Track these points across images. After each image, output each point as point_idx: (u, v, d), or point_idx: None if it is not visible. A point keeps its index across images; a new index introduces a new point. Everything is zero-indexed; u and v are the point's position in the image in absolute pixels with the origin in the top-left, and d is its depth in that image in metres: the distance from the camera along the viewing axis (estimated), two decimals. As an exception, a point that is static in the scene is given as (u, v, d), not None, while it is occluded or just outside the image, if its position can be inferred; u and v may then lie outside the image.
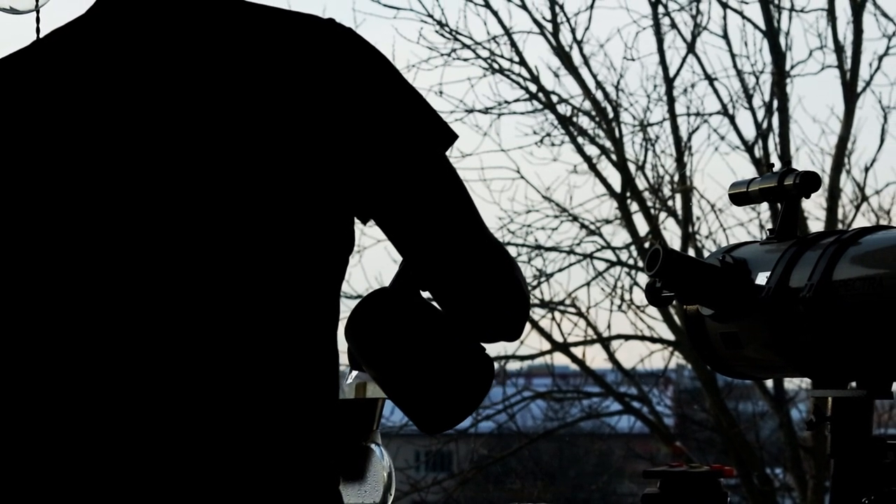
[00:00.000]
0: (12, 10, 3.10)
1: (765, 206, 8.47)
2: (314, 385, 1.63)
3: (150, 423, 1.56)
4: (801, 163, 9.29)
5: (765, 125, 9.29)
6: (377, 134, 1.61)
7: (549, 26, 9.22)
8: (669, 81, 9.29)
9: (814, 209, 9.26)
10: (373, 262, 21.94)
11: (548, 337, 9.37)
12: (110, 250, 1.58)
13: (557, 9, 9.20)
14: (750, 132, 9.32)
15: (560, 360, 9.67)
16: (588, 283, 9.38)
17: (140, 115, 1.59)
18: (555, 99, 9.32)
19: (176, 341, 1.57)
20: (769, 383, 9.46)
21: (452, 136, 1.65)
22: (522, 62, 9.32)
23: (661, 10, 9.22)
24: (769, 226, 4.13)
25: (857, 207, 9.25)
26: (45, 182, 1.60)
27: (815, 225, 9.13)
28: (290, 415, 1.60)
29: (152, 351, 1.57)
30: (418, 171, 1.62)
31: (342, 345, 1.73)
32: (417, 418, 1.73)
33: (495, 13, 9.25)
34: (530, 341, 9.45)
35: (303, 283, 1.60)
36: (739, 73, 9.25)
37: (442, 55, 9.23)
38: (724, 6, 9.21)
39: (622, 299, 9.31)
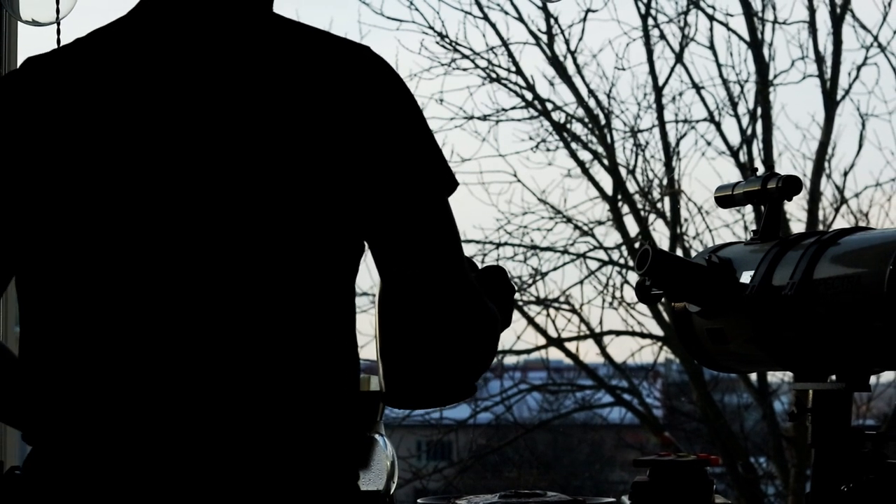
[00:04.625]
0: (34, 23, 3.09)
1: (749, 208, 8.47)
2: (333, 378, 1.61)
3: (172, 417, 1.54)
4: (783, 167, 9.29)
5: (749, 131, 9.27)
6: (390, 162, 1.60)
7: (544, 38, 9.21)
8: (658, 90, 9.27)
9: (796, 211, 9.24)
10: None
11: (543, 332, 9.36)
12: (132, 246, 1.56)
13: (552, 21, 9.19)
14: (735, 138, 9.31)
15: (555, 354, 9.66)
16: (581, 282, 9.37)
17: (169, 115, 1.58)
18: (550, 106, 9.31)
19: (196, 337, 1.55)
20: (753, 377, 9.44)
21: (455, 184, 1.65)
22: (519, 72, 9.30)
23: (650, 22, 9.21)
24: (753, 227, 4.13)
25: (837, 210, 9.23)
26: (72, 179, 1.58)
27: (797, 226, 9.12)
28: (309, 407, 1.59)
29: (173, 345, 1.55)
30: (420, 206, 1.62)
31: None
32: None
33: (493, 25, 9.24)
34: (526, 336, 9.45)
35: (318, 280, 1.59)
36: (725, 82, 9.24)
37: (442, 65, 9.21)
38: (711, 18, 9.20)
39: (614, 297, 9.30)
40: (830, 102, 9.18)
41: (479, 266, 1.81)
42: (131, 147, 1.57)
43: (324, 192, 1.58)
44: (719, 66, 9.21)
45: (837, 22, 9.11)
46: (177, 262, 1.56)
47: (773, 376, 9.46)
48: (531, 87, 9.28)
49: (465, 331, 1.65)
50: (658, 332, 9.38)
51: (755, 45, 9.16)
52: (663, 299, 2.16)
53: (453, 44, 9.22)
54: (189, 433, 1.54)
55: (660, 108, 9.29)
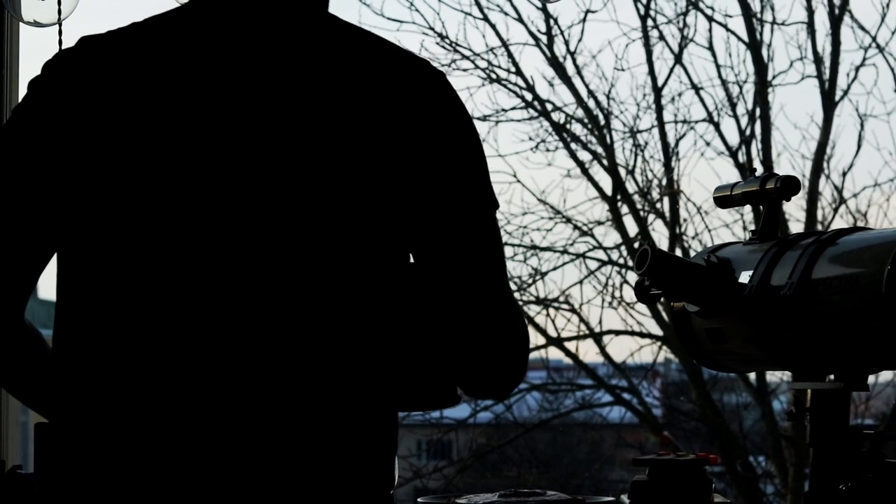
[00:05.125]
0: (36, 24, 3.09)
1: (748, 208, 8.47)
2: (373, 387, 1.61)
3: (212, 421, 1.53)
4: (782, 167, 9.29)
5: (748, 132, 9.27)
6: (444, 175, 1.62)
7: (544, 38, 9.21)
8: (658, 90, 9.28)
9: (794, 211, 9.24)
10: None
11: (542, 332, 9.36)
12: (177, 240, 1.54)
13: (552, 22, 9.19)
14: (734, 138, 9.31)
15: (554, 354, 9.66)
16: (581, 282, 9.37)
17: (224, 111, 1.57)
18: (549, 107, 9.31)
19: (237, 340, 1.54)
20: (752, 376, 9.44)
21: (496, 204, 1.68)
22: (519, 72, 9.31)
23: (649, 23, 9.21)
24: (752, 227, 4.13)
25: (836, 210, 9.23)
26: (121, 168, 1.56)
27: (796, 226, 9.12)
28: (351, 416, 1.58)
29: (214, 347, 1.54)
30: (471, 221, 1.64)
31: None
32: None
33: (493, 26, 9.24)
34: (526, 336, 9.42)
35: (361, 286, 1.59)
36: (724, 83, 9.24)
37: (442, 65, 9.20)
38: (710, 20, 9.20)
39: (613, 297, 9.30)
40: (829, 103, 9.18)
41: None
42: (185, 141, 1.56)
43: (372, 198, 1.58)
44: (718, 66, 9.22)
45: (836, 23, 9.11)
46: (223, 261, 1.55)
47: (772, 376, 9.47)
48: (531, 88, 9.28)
49: (504, 346, 1.68)
50: (657, 331, 9.38)
51: (754, 45, 9.16)
52: (662, 299, 2.16)
53: (453, 44, 9.23)
54: (229, 439, 1.53)
55: (659, 109, 9.29)
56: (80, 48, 1.64)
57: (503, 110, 9.30)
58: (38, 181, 1.60)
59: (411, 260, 1.66)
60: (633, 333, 9.44)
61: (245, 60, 1.60)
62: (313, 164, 1.57)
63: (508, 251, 9.34)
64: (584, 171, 9.33)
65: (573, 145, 9.34)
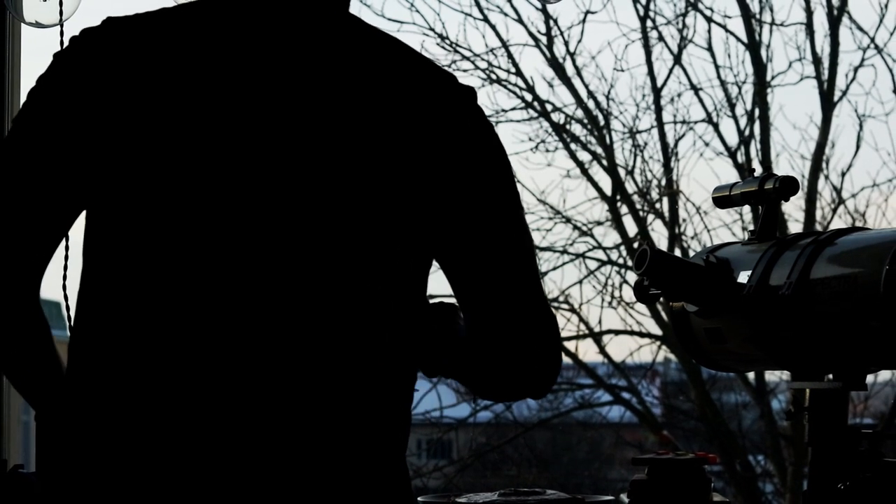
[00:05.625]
0: (38, 24, 3.09)
1: (747, 208, 8.47)
2: (395, 389, 1.60)
3: (228, 418, 1.51)
4: (781, 168, 9.29)
5: (747, 132, 9.27)
6: (468, 177, 1.62)
7: (543, 39, 9.21)
8: (657, 91, 9.28)
9: (793, 211, 9.24)
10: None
11: (542, 332, 9.34)
12: (198, 233, 1.53)
13: (552, 23, 9.18)
14: (733, 139, 9.31)
15: (554, 353, 9.64)
16: (580, 282, 9.37)
17: (249, 105, 1.55)
18: (549, 108, 9.31)
19: (256, 337, 1.53)
20: (751, 376, 9.44)
21: (522, 207, 1.69)
22: (519, 73, 9.31)
23: (649, 24, 9.21)
24: (751, 227, 4.13)
25: (834, 210, 9.23)
26: (142, 154, 1.54)
27: (795, 226, 9.12)
28: (372, 416, 1.57)
29: (231, 343, 1.52)
30: (500, 223, 1.64)
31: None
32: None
33: (493, 27, 9.24)
34: (526, 336, 9.42)
35: (382, 286, 1.58)
36: (723, 84, 9.24)
37: (443, 66, 9.21)
38: (709, 20, 9.20)
39: (612, 296, 9.29)
40: (828, 104, 9.18)
41: None
42: (201, 135, 1.54)
43: (382, 196, 1.57)
44: (717, 67, 9.22)
45: (834, 24, 9.11)
46: (232, 258, 1.53)
47: (771, 375, 9.46)
48: (531, 89, 9.28)
49: (539, 349, 1.69)
50: (656, 331, 9.38)
51: (753, 46, 9.15)
52: (661, 299, 2.16)
53: (453, 45, 9.23)
54: (230, 439, 1.52)
55: (658, 110, 9.29)
56: (107, 27, 1.61)
57: (503, 111, 9.30)
58: (55, 152, 1.58)
59: (434, 265, 1.66)
60: (632, 333, 9.44)
61: (267, 55, 1.59)
62: (324, 161, 1.56)
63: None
64: (584, 172, 9.33)
65: (573, 146, 9.34)
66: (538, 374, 1.70)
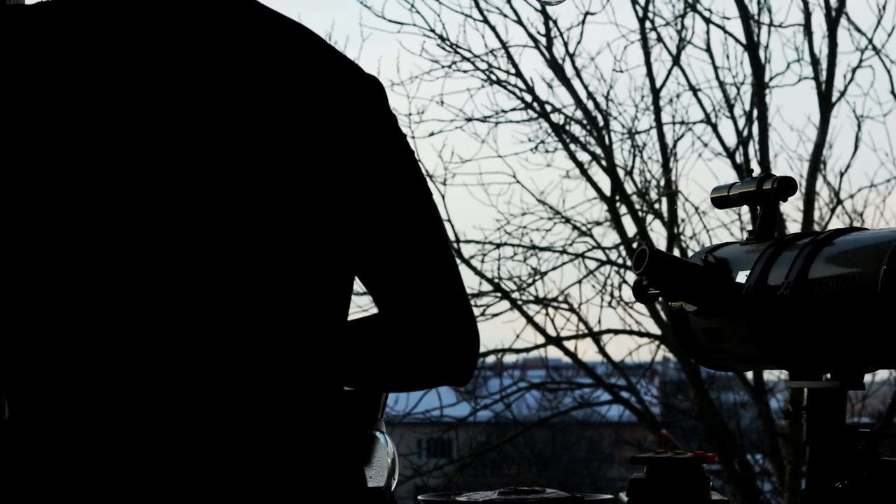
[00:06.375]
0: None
1: (745, 208, 8.47)
2: (326, 374, 1.57)
3: (159, 421, 1.46)
4: (779, 168, 9.30)
5: (745, 133, 9.29)
6: (373, 164, 1.58)
7: (543, 40, 9.22)
8: (656, 92, 9.28)
9: (791, 212, 9.26)
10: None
11: (542, 331, 9.36)
12: (112, 244, 1.46)
13: (551, 24, 9.20)
14: (731, 139, 9.32)
15: (553, 353, 9.67)
16: (580, 281, 9.38)
17: (157, 102, 1.49)
18: (549, 108, 9.32)
19: (181, 337, 1.47)
20: (749, 375, 9.45)
21: (430, 192, 1.64)
22: (518, 74, 9.31)
23: (648, 25, 9.22)
24: (749, 227, 4.13)
25: (833, 210, 9.24)
26: (43, 168, 1.46)
27: (793, 227, 9.12)
28: (304, 405, 1.54)
29: (158, 345, 1.47)
30: (409, 207, 1.60)
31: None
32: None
33: (493, 28, 9.25)
34: (525, 335, 9.46)
35: (309, 275, 1.54)
36: (721, 85, 9.25)
37: (443, 67, 9.21)
38: (708, 21, 9.21)
39: (612, 296, 9.31)
40: (826, 104, 9.19)
41: None
42: (118, 131, 1.47)
43: (312, 191, 1.53)
44: (716, 68, 9.23)
45: (833, 25, 9.11)
46: (165, 258, 1.47)
47: (769, 375, 9.47)
48: (530, 89, 9.29)
49: (456, 333, 1.63)
50: (655, 330, 9.39)
51: (751, 47, 9.16)
52: (660, 299, 2.16)
53: (454, 46, 9.24)
54: (183, 435, 1.47)
55: (657, 110, 9.30)
56: None
57: (503, 111, 9.32)
58: None
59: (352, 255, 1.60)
60: (631, 333, 9.45)
61: (161, 42, 1.52)
62: (223, 151, 1.50)
63: (508, 251, 9.35)
64: (583, 172, 9.33)
65: (572, 146, 9.35)
66: (458, 359, 1.64)
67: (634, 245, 9.16)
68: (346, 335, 1.60)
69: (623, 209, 9.30)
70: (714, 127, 9.28)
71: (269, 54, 1.56)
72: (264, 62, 1.55)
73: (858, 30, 9.09)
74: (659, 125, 9.29)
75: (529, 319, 9.29)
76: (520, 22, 9.20)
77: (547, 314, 9.38)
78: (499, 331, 17.58)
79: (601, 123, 9.28)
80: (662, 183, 9.34)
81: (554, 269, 9.42)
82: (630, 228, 9.33)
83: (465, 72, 9.26)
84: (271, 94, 1.54)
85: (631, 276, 8.66)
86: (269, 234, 1.51)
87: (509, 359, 9.76)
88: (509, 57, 9.26)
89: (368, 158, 1.58)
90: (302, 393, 1.54)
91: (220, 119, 1.51)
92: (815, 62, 9.14)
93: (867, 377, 2.00)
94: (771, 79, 9.19)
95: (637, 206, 9.32)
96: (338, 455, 1.57)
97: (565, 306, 9.36)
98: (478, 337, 1.65)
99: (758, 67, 9.16)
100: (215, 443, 1.48)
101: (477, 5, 9.16)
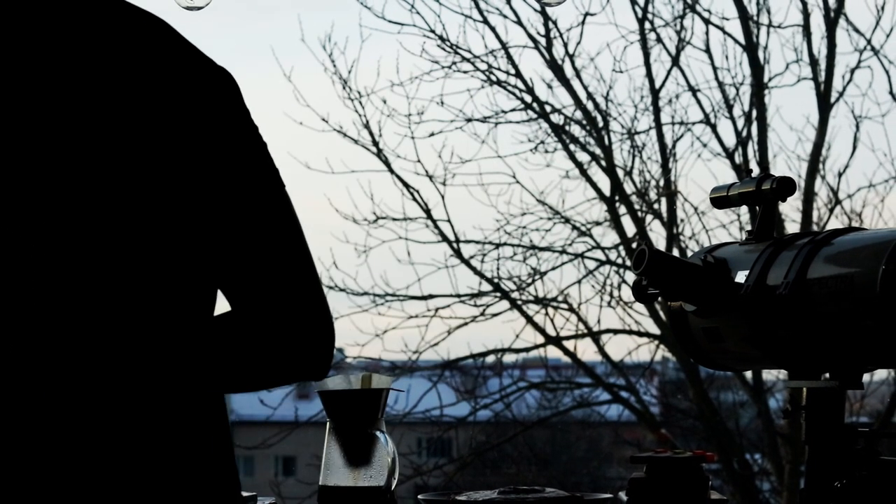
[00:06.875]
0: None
1: (744, 209, 8.46)
2: (184, 374, 1.52)
3: (14, 423, 1.42)
4: (778, 168, 9.29)
5: (744, 133, 9.28)
6: (227, 160, 1.55)
7: (542, 41, 9.21)
8: (655, 93, 9.28)
9: (790, 212, 9.25)
10: (378, 261, 21.91)
11: (541, 331, 9.36)
12: None
13: (551, 24, 9.19)
14: (730, 140, 9.32)
15: (553, 352, 9.66)
16: (579, 281, 9.37)
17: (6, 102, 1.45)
18: (548, 109, 9.31)
19: (33, 340, 1.44)
20: (748, 375, 9.45)
21: (282, 183, 1.61)
22: (518, 74, 9.31)
23: (647, 25, 9.21)
24: (748, 227, 4.13)
25: (831, 210, 9.24)
26: None
27: (792, 227, 9.12)
28: (156, 403, 1.50)
29: (14, 350, 1.43)
30: (261, 199, 1.57)
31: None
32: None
33: (493, 29, 9.24)
34: (525, 335, 9.44)
35: (161, 271, 1.50)
36: (721, 85, 9.24)
37: (443, 68, 9.20)
38: (707, 22, 9.20)
39: (611, 296, 9.30)
40: (824, 105, 9.19)
41: None
42: None
43: (163, 188, 1.49)
44: (715, 69, 9.22)
45: (831, 26, 9.11)
46: (14, 261, 1.44)
47: (768, 374, 9.47)
48: (530, 90, 9.28)
49: (310, 329, 1.59)
50: (655, 330, 9.39)
51: (750, 48, 9.16)
52: (660, 298, 2.16)
53: (454, 47, 9.23)
54: (39, 438, 1.43)
55: (656, 111, 9.30)
56: None
57: (503, 112, 9.31)
58: None
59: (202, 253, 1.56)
60: (630, 332, 9.44)
61: (5, 38, 1.49)
62: (75, 144, 1.47)
63: (508, 251, 9.36)
64: (583, 172, 9.33)
65: (572, 147, 9.35)
66: (311, 354, 1.59)
67: (634, 245, 9.16)
68: (209, 334, 1.56)
69: (622, 209, 9.30)
70: (713, 127, 9.28)
71: (115, 48, 1.52)
72: (110, 56, 1.52)
73: (857, 30, 9.09)
74: (658, 125, 9.29)
75: (529, 319, 9.29)
76: (519, 23, 9.20)
77: (546, 314, 9.38)
78: (498, 331, 17.58)
79: (601, 124, 9.28)
80: (662, 183, 9.34)
81: (553, 269, 9.42)
82: (629, 228, 9.34)
83: (464, 72, 9.26)
84: (119, 89, 1.50)
85: (630, 276, 8.67)
86: (120, 231, 1.48)
87: (509, 358, 9.77)
88: (509, 57, 9.27)
89: (219, 151, 1.55)
90: (163, 394, 1.50)
91: (67, 117, 1.47)
92: (813, 63, 9.14)
93: (866, 377, 2.00)
94: (770, 79, 9.19)
95: (636, 207, 9.32)
96: (198, 456, 1.54)
97: (565, 306, 9.36)
98: (332, 330, 1.60)
99: (757, 68, 9.16)
100: (72, 444, 1.45)
101: (477, 6, 9.16)
